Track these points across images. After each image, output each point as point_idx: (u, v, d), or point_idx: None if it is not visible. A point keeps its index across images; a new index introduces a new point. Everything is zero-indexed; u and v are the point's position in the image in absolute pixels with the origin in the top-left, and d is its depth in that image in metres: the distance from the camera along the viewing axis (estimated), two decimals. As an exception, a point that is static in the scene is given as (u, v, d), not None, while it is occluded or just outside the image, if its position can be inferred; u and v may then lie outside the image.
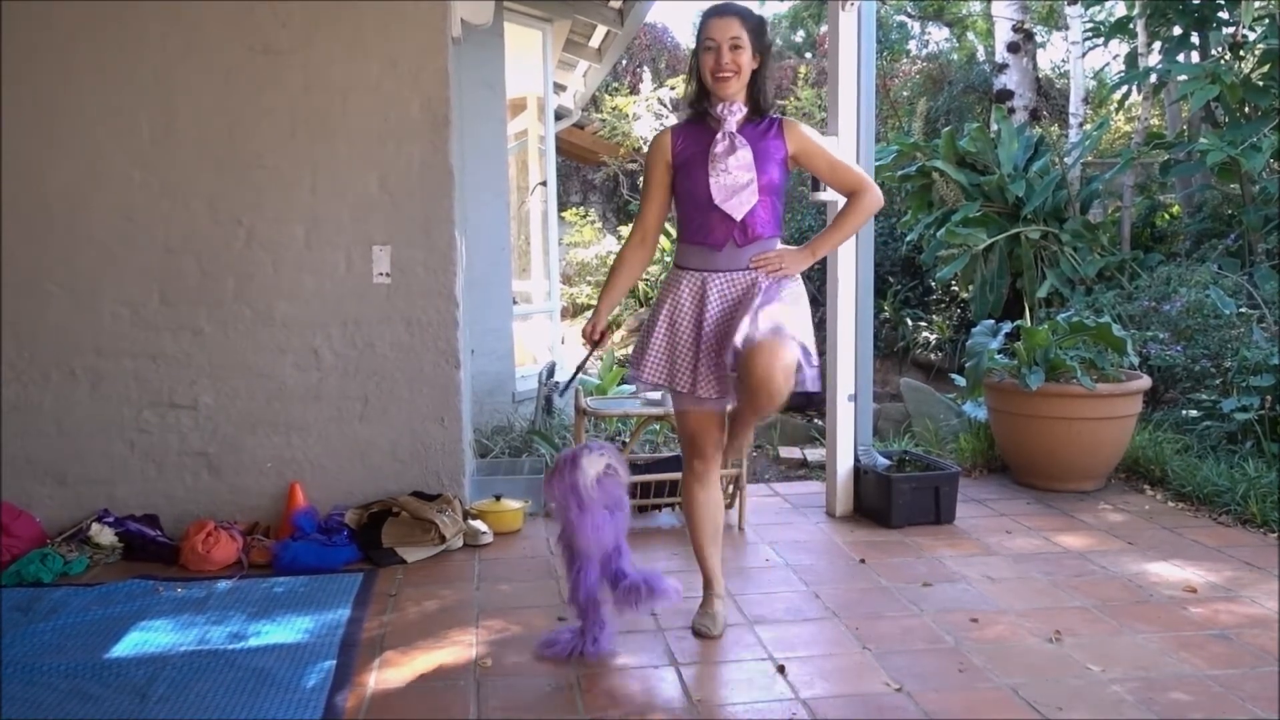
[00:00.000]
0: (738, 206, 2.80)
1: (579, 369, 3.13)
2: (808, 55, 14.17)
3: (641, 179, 3.17)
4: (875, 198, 2.90)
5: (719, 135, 2.80)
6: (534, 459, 4.64)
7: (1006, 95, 8.92)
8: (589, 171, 13.56)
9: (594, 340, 2.98)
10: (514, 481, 4.25)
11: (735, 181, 2.79)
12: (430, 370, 3.94)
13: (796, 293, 2.87)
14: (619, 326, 9.92)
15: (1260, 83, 6.11)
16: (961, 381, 5.31)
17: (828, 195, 3.98)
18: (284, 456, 3.91)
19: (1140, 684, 2.62)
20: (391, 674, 2.73)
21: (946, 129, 7.54)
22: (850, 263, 4.09)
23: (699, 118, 2.88)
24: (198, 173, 3.81)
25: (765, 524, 4.08)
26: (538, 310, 6.89)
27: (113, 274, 3.81)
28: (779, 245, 2.89)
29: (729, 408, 2.90)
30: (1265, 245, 5.99)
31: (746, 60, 2.79)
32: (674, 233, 3.06)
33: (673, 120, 11.48)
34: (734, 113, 2.80)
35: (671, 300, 2.90)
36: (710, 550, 3.01)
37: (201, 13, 3.76)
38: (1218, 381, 4.91)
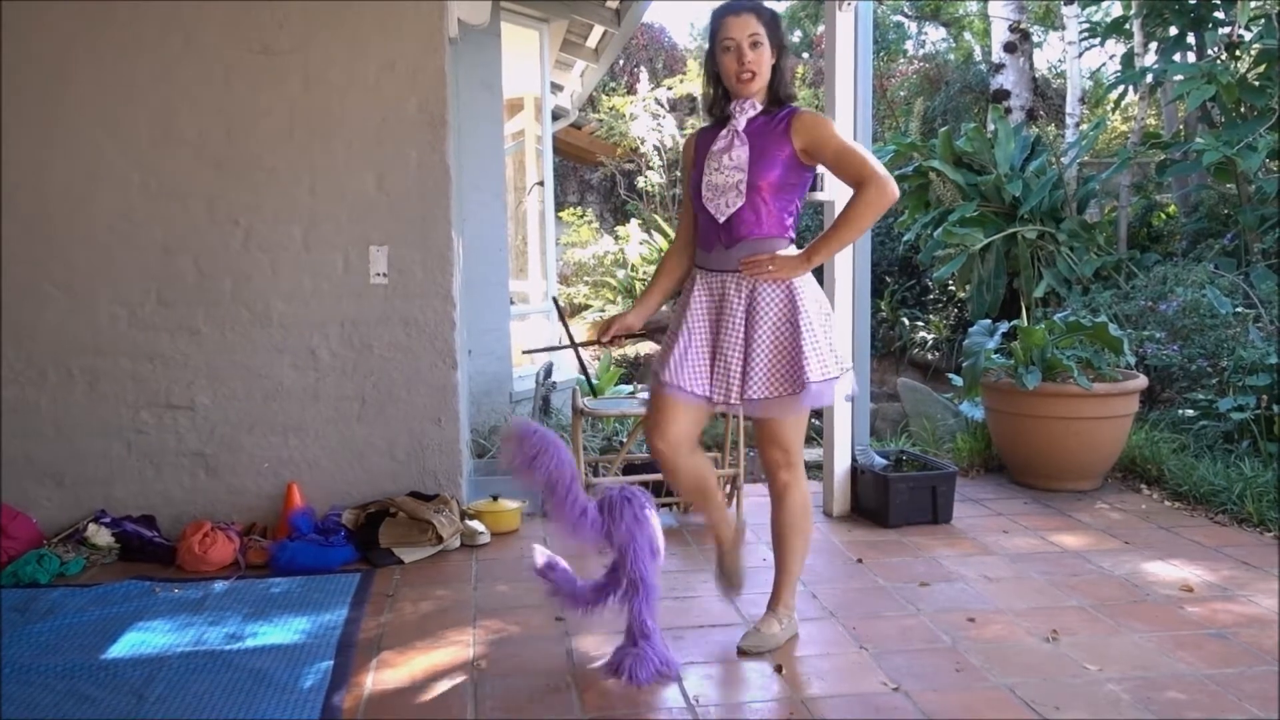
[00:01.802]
0: (721, 207, 2.75)
1: (557, 348, 3.11)
2: (805, 55, 14.17)
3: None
4: (880, 191, 2.64)
5: (723, 131, 2.78)
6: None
7: (1003, 95, 8.94)
8: (586, 171, 13.56)
9: (599, 337, 2.96)
10: (511, 481, 4.25)
11: (725, 181, 2.74)
12: (427, 370, 3.94)
13: (791, 309, 2.71)
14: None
15: (1256, 82, 6.12)
16: (959, 381, 5.32)
17: (824, 195, 3.98)
18: (281, 457, 3.90)
19: (1137, 683, 2.62)
20: (389, 674, 2.73)
21: (943, 129, 7.56)
22: (847, 262, 4.09)
23: (722, 119, 2.82)
24: (196, 173, 3.81)
25: (763, 524, 4.05)
26: (535, 310, 6.90)
27: (111, 275, 3.80)
28: (781, 247, 2.75)
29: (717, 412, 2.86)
30: (1261, 245, 6.00)
31: (766, 57, 2.71)
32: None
33: (670, 120, 11.50)
34: (745, 110, 2.75)
35: (680, 300, 2.90)
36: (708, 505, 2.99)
37: (200, 13, 3.76)
38: (1214, 381, 4.91)
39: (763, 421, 2.84)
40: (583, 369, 3.21)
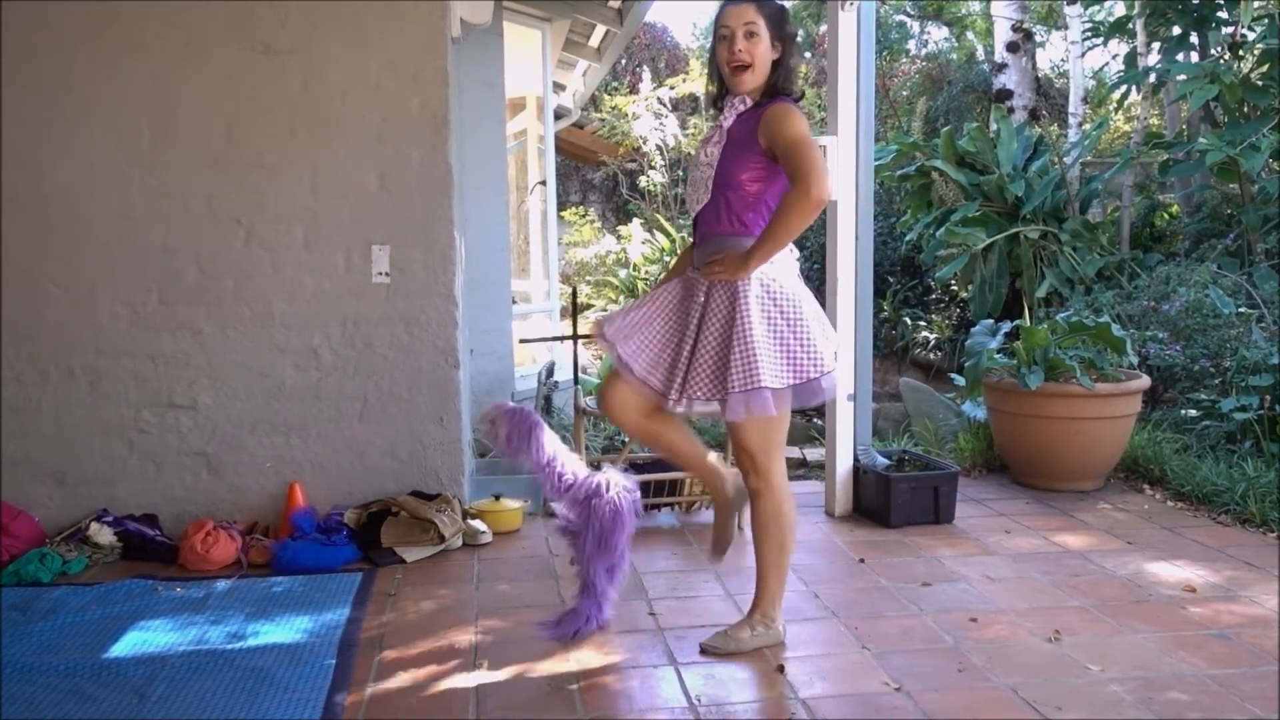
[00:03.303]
0: (693, 204, 2.78)
1: (554, 339, 3.18)
2: (807, 55, 14.17)
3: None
4: (799, 193, 2.50)
5: (713, 127, 2.80)
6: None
7: (1006, 95, 8.92)
8: (588, 171, 13.56)
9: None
10: (513, 481, 4.25)
11: (699, 178, 2.76)
12: (429, 370, 3.94)
13: (730, 312, 2.64)
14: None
15: (1259, 82, 6.11)
16: (961, 381, 5.31)
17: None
18: (283, 456, 3.90)
19: (1139, 683, 2.62)
20: (390, 674, 2.73)
21: (946, 128, 7.55)
22: (850, 262, 4.09)
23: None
24: (197, 172, 3.81)
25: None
26: (537, 310, 6.89)
27: (112, 274, 3.80)
28: (744, 246, 2.66)
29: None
30: (1264, 245, 5.99)
31: (763, 50, 2.67)
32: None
33: (672, 120, 11.50)
34: (735, 107, 2.73)
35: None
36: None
37: (201, 13, 3.76)
38: (1217, 381, 4.91)
39: (729, 426, 2.78)
40: (575, 359, 3.26)
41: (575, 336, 3.17)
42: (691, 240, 2.85)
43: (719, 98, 2.81)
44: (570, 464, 2.92)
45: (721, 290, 2.68)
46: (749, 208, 2.70)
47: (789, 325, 2.67)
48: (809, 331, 2.69)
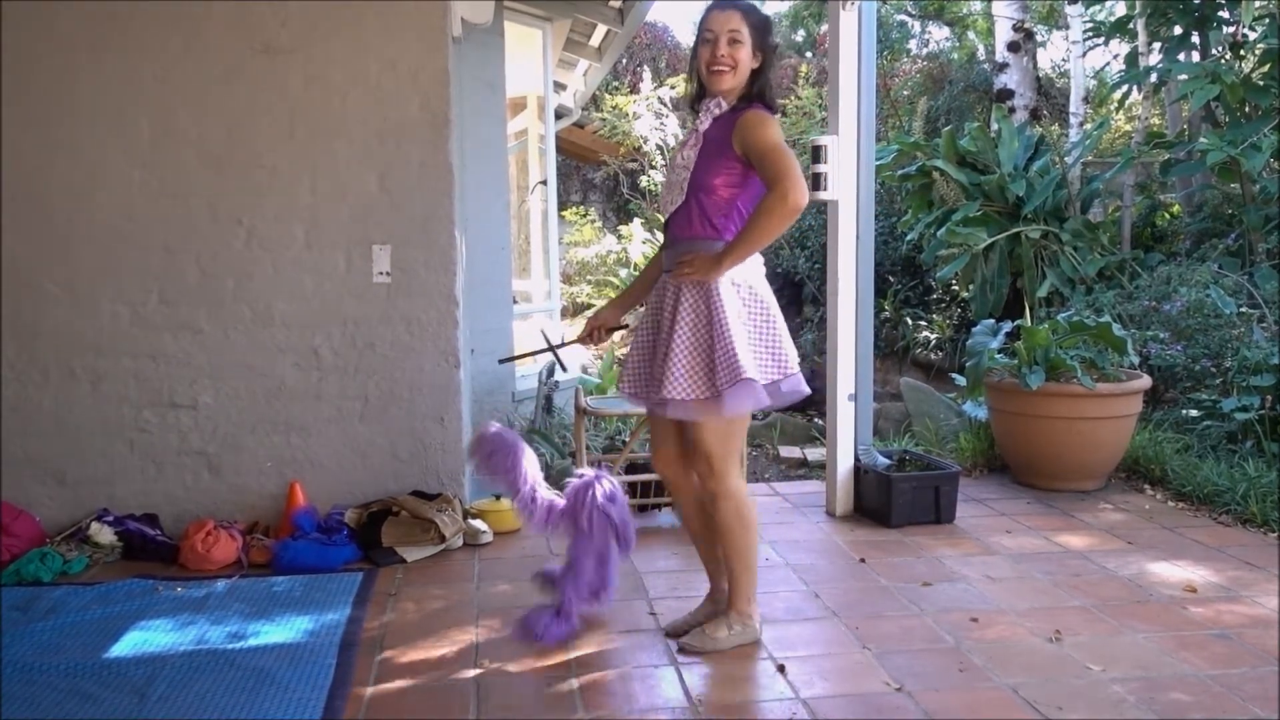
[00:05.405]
0: (666, 207, 2.80)
1: (533, 353, 3.23)
2: (808, 54, 14.16)
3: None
4: (778, 198, 2.53)
5: (689, 131, 2.81)
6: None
7: (1007, 94, 8.91)
8: (589, 170, 13.55)
9: (586, 336, 3.03)
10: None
11: (673, 180, 2.78)
12: (430, 370, 3.94)
13: (706, 311, 2.67)
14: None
15: (1260, 82, 6.11)
16: (962, 381, 5.31)
17: (827, 194, 3.98)
18: (284, 456, 3.90)
19: (1140, 684, 2.61)
20: (391, 674, 2.73)
21: (947, 128, 7.54)
22: (850, 262, 4.09)
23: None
24: (197, 172, 3.81)
25: (765, 523, 4.07)
26: (538, 309, 6.89)
27: (112, 274, 3.80)
28: (715, 249, 2.68)
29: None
30: (1265, 245, 5.99)
31: (745, 56, 2.70)
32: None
33: (672, 119, 11.51)
34: (711, 110, 2.75)
35: None
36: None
37: (201, 13, 3.76)
38: (1218, 381, 4.91)
39: (685, 429, 2.79)
40: (558, 360, 3.25)
41: (553, 347, 3.17)
42: (662, 245, 2.87)
43: (696, 100, 2.83)
44: (545, 491, 2.91)
45: (693, 292, 2.70)
46: (721, 212, 2.71)
47: (756, 327, 2.71)
48: (777, 333, 2.73)
